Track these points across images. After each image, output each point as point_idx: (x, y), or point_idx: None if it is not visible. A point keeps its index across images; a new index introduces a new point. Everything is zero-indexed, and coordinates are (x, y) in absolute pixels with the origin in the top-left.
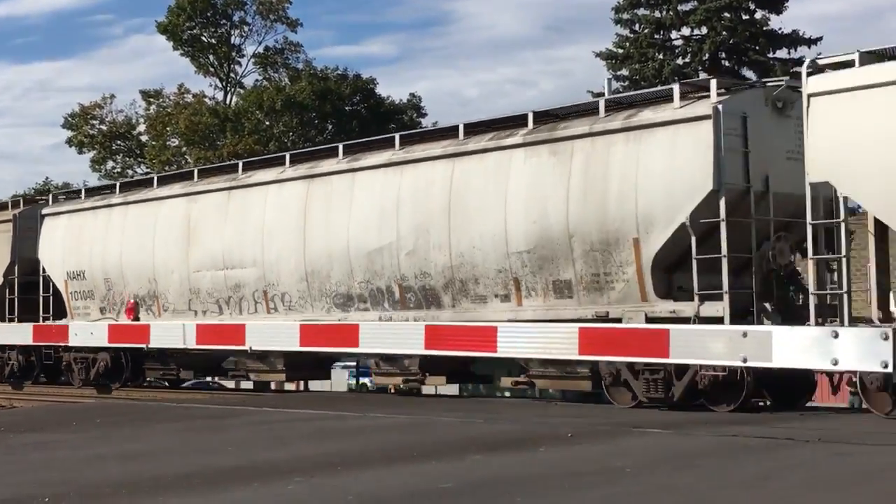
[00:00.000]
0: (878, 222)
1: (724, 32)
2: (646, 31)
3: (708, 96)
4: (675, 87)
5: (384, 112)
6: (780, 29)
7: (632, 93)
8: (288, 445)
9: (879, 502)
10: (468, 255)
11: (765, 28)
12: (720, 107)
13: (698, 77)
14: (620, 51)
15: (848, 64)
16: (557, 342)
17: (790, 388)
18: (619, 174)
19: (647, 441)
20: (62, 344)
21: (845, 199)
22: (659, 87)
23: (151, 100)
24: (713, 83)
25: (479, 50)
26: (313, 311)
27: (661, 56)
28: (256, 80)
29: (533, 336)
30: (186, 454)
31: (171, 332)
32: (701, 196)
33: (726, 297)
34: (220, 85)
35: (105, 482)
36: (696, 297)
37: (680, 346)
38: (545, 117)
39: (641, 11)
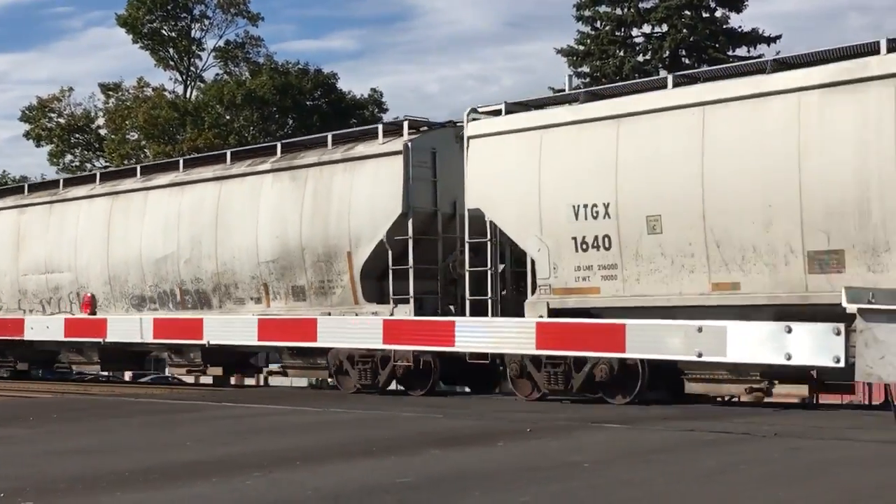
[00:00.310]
0: None
1: (684, 30)
2: (607, 28)
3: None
4: (380, 127)
5: (345, 107)
6: (739, 27)
7: (354, 129)
8: (247, 440)
9: (833, 496)
10: (230, 264)
11: (725, 26)
12: (410, 144)
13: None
14: (582, 47)
15: (498, 112)
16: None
17: (481, 376)
18: (338, 198)
19: (605, 436)
20: (17, 338)
21: (491, 222)
22: (371, 126)
23: (110, 93)
24: (405, 124)
25: (441, 45)
26: (116, 310)
27: (621, 53)
28: (217, 74)
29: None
30: (145, 449)
31: (128, 327)
32: (393, 218)
33: (412, 301)
34: (179, 79)
35: (62, 477)
36: (392, 301)
37: (636, 342)
38: (292, 147)
39: (603, 8)
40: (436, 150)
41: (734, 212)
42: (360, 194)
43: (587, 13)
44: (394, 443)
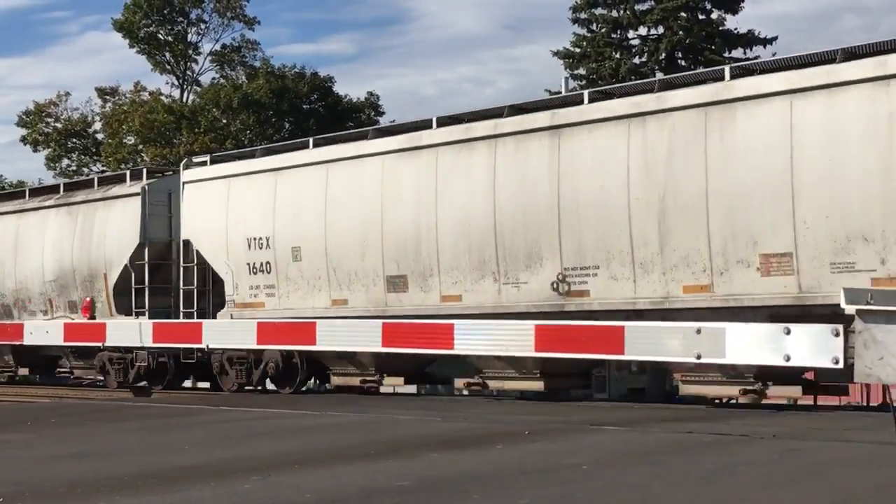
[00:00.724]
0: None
1: (680, 32)
2: (603, 30)
3: (151, 178)
4: (128, 173)
5: (342, 110)
6: (735, 29)
7: (115, 173)
8: (245, 444)
9: (832, 497)
10: (25, 283)
11: (721, 28)
12: (147, 187)
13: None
14: (578, 50)
15: (205, 163)
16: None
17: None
18: (98, 230)
19: (603, 438)
20: (16, 343)
21: (197, 251)
22: (122, 171)
23: (107, 97)
24: (144, 171)
25: (438, 48)
26: None
27: (617, 55)
28: (213, 78)
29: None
30: (142, 453)
31: (127, 331)
32: (134, 247)
33: (147, 314)
34: (176, 83)
35: (60, 482)
36: (135, 314)
37: (634, 343)
38: (74, 186)
39: (599, 11)
40: (172, 191)
41: (344, 246)
42: (113, 227)
43: (583, 15)
44: (392, 445)
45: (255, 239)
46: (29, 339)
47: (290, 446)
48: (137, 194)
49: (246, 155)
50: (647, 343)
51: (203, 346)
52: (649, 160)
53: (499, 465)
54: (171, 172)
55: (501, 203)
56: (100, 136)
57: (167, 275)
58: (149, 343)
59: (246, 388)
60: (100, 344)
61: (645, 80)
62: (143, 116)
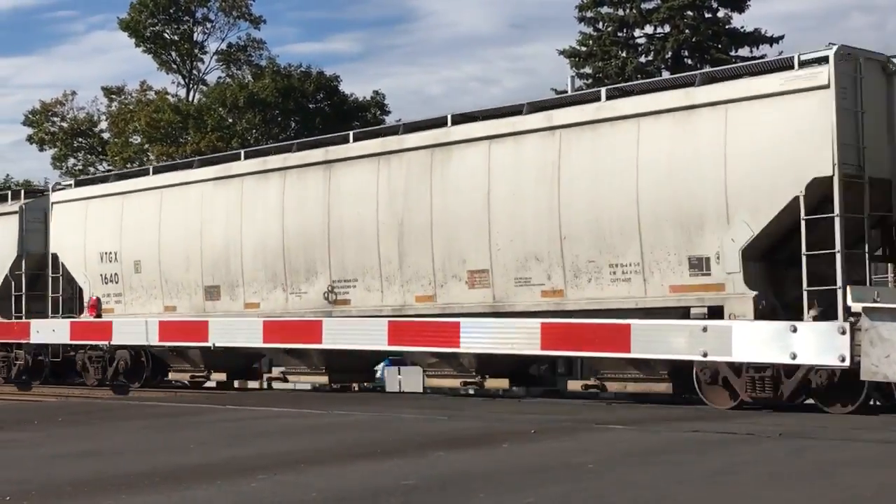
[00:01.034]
0: None
1: (686, 31)
2: (609, 28)
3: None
4: (10, 192)
5: (348, 109)
6: (742, 27)
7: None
8: (251, 443)
9: (837, 496)
10: None
11: (727, 26)
12: (24, 206)
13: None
14: (584, 49)
15: (70, 185)
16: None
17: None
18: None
19: (609, 437)
20: (23, 341)
21: (63, 263)
22: (5, 191)
23: (113, 97)
24: (22, 192)
25: (443, 47)
26: None
27: (624, 54)
28: (219, 77)
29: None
30: (149, 452)
31: (133, 329)
32: (13, 258)
33: (24, 316)
34: (182, 82)
35: (67, 481)
36: (14, 317)
37: (641, 341)
38: None
39: (605, 9)
40: (47, 209)
41: (173, 260)
42: (3, 241)
43: (589, 14)
44: (398, 444)
45: (106, 253)
46: (35, 338)
47: (297, 445)
48: (16, 212)
49: (104, 179)
50: (653, 341)
51: (209, 344)
52: (392, 192)
53: (505, 463)
54: (49, 192)
55: (288, 226)
56: (106, 136)
57: (46, 284)
58: (154, 341)
59: (105, 382)
60: (107, 342)
61: (394, 125)
62: (150, 116)
